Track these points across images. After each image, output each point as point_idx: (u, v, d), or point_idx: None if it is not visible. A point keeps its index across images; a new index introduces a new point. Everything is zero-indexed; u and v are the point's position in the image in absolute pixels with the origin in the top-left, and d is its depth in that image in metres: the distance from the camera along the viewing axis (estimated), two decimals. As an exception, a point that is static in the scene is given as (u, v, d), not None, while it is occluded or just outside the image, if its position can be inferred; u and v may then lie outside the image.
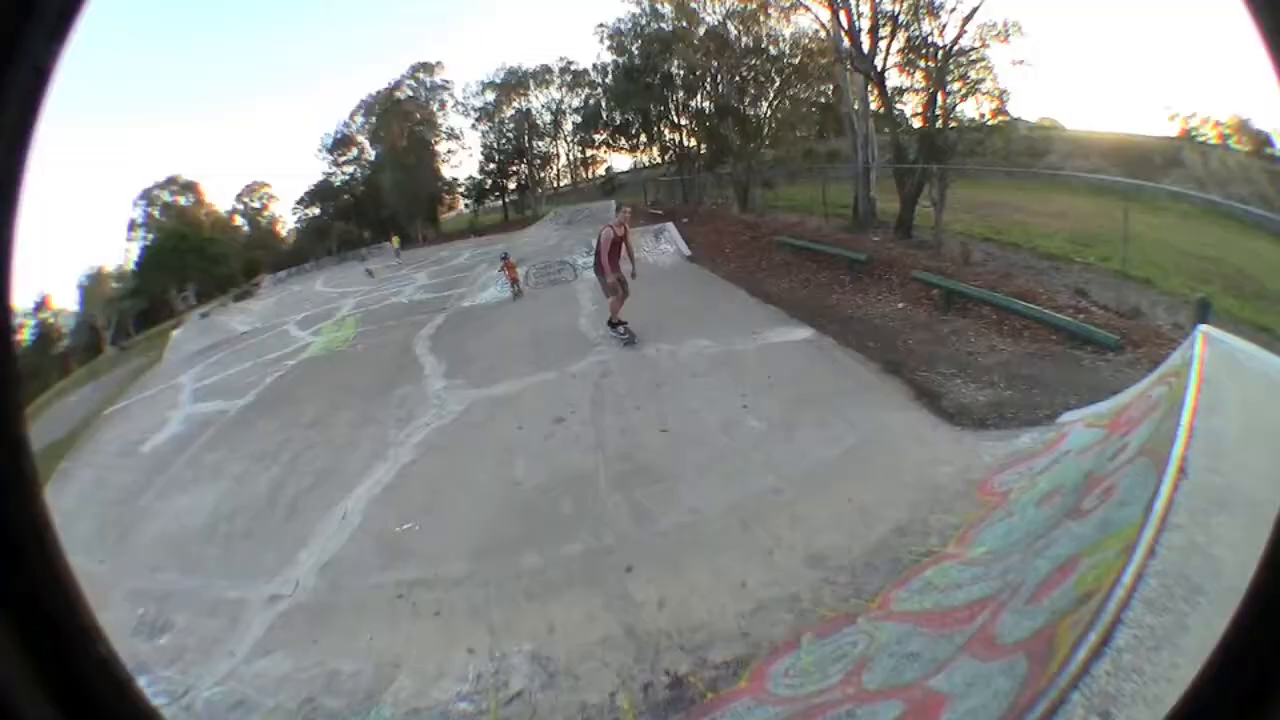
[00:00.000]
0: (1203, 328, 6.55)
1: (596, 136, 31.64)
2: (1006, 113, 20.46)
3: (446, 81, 37.13)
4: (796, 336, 12.16)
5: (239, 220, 43.76)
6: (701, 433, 9.04)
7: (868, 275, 15.67)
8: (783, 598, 5.87)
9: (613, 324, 13.25)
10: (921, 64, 20.47)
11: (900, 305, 13.78)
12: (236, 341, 23.20)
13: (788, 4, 23.47)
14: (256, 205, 44.02)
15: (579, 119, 32.04)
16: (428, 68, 37.06)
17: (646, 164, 31.14)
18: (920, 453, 7.90)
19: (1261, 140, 19.11)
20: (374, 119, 38.46)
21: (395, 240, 33.27)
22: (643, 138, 29.58)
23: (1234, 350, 6.20)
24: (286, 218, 43.59)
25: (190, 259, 37.59)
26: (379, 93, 37.97)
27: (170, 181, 41.01)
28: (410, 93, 37.65)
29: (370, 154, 39.28)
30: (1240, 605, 1.23)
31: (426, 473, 9.39)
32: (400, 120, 37.37)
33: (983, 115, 20.55)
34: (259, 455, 11.21)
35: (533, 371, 12.30)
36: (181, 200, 41.44)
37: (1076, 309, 12.48)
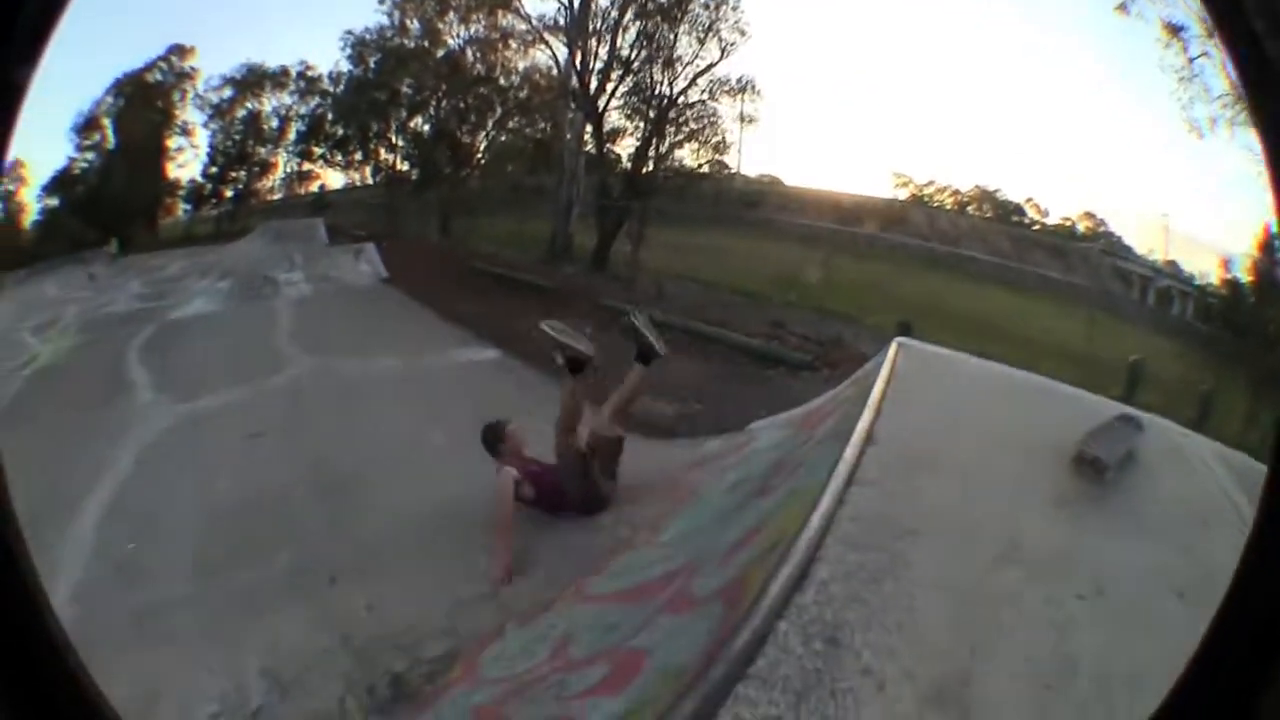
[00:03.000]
0: (897, 339, 6.92)
1: (316, 149, 29.54)
2: (723, 164, 20.84)
3: (193, 69, 32.47)
4: (483, 357, 12.16)
5: (-7, 205, 36.44)
6: (391, 445, 8.85)
7: (557, 303, 15.34)
8: (480, 595, 5.92)
9: None
10: (643, 109, 20.52)
11: (588, 330, 13.39)
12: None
13: (529, 37, 23.02)
14: (11, 188, 36.70)
15: (303, 128, 29.64)
16: (181, 51, 32.19)
17: (359, 184, 29.62)
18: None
19: (1010, 209, 20.65)
20: (121, 100, 33.08)
21: (113, 244, 28.96)
22: (358, 155, 28.18)
23: (926, 352, 6.64)
24: (31, 206, 36.68)
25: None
26: (134, 71, 32.92)
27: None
28: (160, 76, 32.59)
29: (111, 141, 33.81)
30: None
31: (139, 490, 8.68)
32: (144, 106, 32.17)
33: (698, 164, 20.86)
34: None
35: (233, 385, 11.60)
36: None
37: (770, 336, 12.91)
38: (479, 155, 27.18)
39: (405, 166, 27.49)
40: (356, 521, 7.40)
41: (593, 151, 21.40)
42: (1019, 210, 21.54)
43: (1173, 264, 17.60)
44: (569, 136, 21.77)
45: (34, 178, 31.31)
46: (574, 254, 20.78)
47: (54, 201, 32.59)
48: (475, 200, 25.80)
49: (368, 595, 6.12)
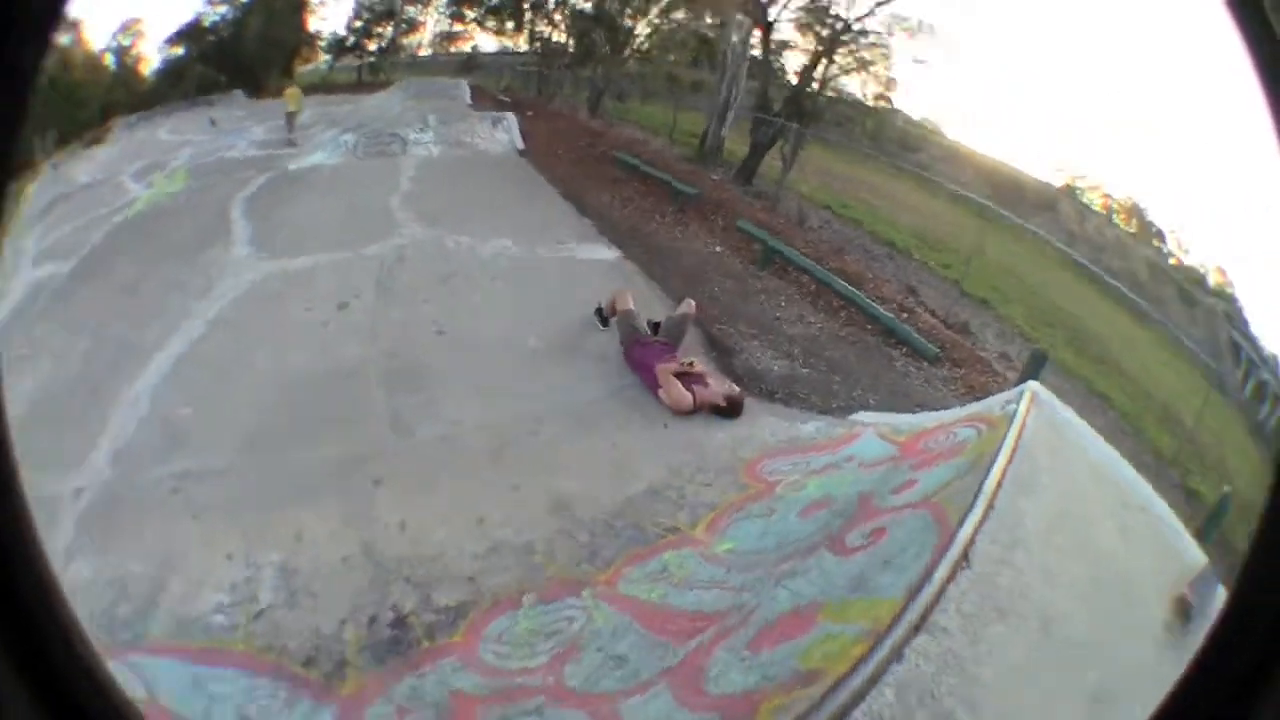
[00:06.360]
0: (1032, 385, 6.16)
1: (468, 12, 29.30)
2: (889, 99, 20.17)
3: (339, -75, 32.82)
4: (603, 256, 11.70)
5: (109, 59, 37.49)
6: (478, 340, 8.70)
7: (693, 211, 15.19)
8: (517, 545, 5.57)
9: None
10: (817, 27, 19.73)
11: (718, 249, 13.42)
12: (78, 194, 21.11)
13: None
14: (127, 43, 37.79)
15: (455, -10, 29.38)
16: (324, -93, 32.37)
17: (513, 49, 29.37)
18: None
19: (1152, 233, 19.59)
20: (257, -45, 33.48)
21: (292, 97, 24.98)
22: (513, 23, 27.87)
23: (1061, 422, 5.81)
24: (152, 57, 37.59)
25: (56, 103, 32.23)
26: (269, -75, 33.33)
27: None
28: (299, -70, 32.84)
29: (246, -7, 34.15)
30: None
31: (211, 351, 8.65)
32: (280, -40, 32.49)
33: (864, 96, 20.21)
34: (74, 327, 9.94)
35: (332, 248, 11.40)
36: (64, 39, 35.32)
37: (902, 306, 12.14)
38: (640, 40, 26.65)
39: (563, 39, 27.17)
40: (421, 422, 7.19)
41: (758, 58, 20.74)
42: (1161, 235, 20.76)
43: (1276, 359, 16.63)
44: (735, 39, 21.04)
45: (153, 34, 31.43)
46: (723, 158, 20.33)
47: (179, 51, 32.82)
48: (630, 83, 25.43)
49: (406, 509, 5.91)
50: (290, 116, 23.11)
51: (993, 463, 4.52)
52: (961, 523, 3.82)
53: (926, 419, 7.06)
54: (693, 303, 8.86)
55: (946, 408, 7.95)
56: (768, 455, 6.66)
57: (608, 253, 11.75)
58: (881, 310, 11.23)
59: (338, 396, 7.60)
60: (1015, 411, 5.42)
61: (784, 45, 20.71)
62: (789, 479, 6.02)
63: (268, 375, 7.98)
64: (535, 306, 9.50)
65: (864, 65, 19.63)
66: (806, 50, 20.16)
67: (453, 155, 17.73)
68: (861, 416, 7.70)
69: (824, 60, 19.67)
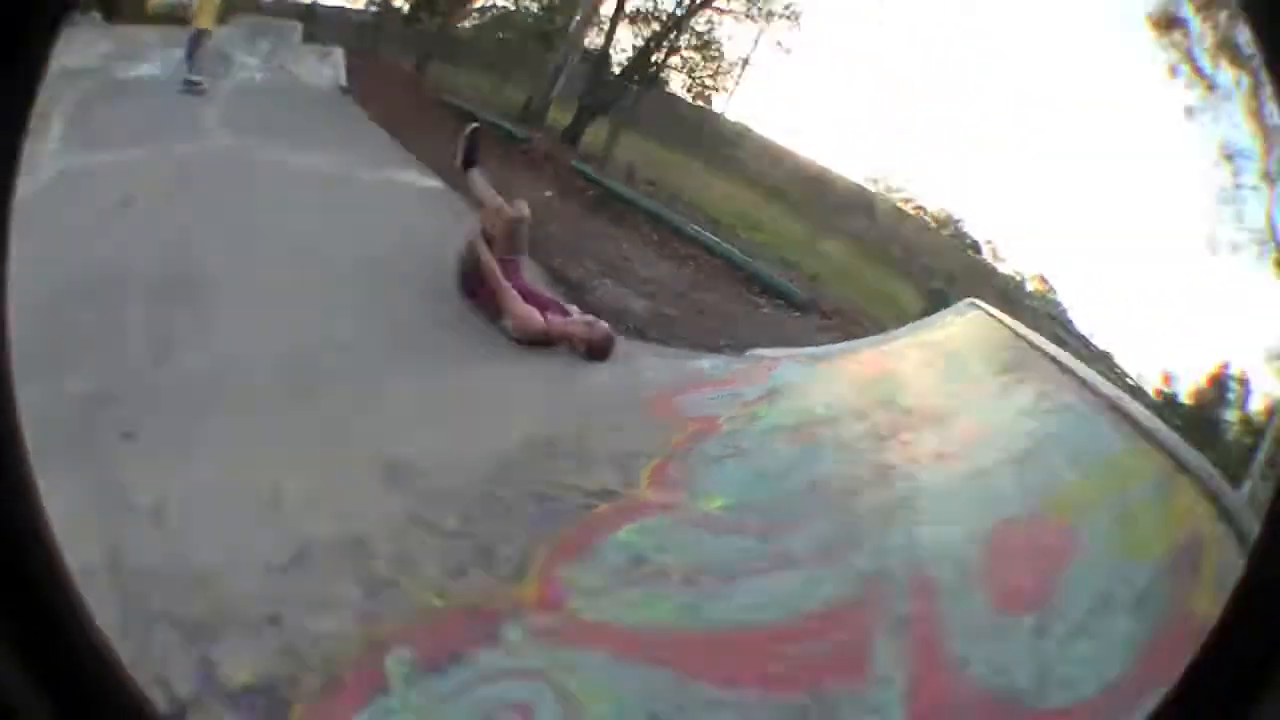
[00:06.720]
0: (972, 300, 5.68)
1: None
2: (708, 99, 19.34)
3: None
4: (423, 183, 11.22)
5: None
6: (278, 253, 7.15)
7: (520, 157, 14.51)
8: (343, 540, 3.45)
9: None
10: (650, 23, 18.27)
11: (548, 194, 12.71)
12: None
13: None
14: None
15: (296, -61, 28.15)
16: None
17: (349, 8, 28.65)
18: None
19: (968, 243, 19.90)
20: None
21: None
22: None
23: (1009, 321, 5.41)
24: None
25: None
26: None
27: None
28: None
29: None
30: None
31: None
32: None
33: (690, 89, 18.76)
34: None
35: (136, 143, 10.26)
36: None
37: None
38: (476, 8, 26.11)
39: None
40: (193, 349, 5.36)
41: (604, 27, 20.10)
42: (976, 247, 21.43)
43: (1108, 355, 17.16)
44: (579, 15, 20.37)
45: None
46: (546, 123, 19.45)
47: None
48: (459, 48, 24.82)
49: (163, 482, 3.74)
50: (198, 38, 15.40)
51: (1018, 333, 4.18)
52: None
53: (857, 344, 6.56)
54: (524, 203, 7.52)
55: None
56: (677, 391, 5.46)
57: (430, 181, 11.29)
58: (744, 257, 10.92)
59: (95, 311, 5.63)
60: (981, 307, 5.12)
61: (636, 17, 20.04)
62: (728, 413, 4.69)
63: (27, 289, 6.08)
64: (349, 222, 8.51)
65: (704, 47, 19.14)
66: (654, 25, 19.39)
67: (275, 80, 16.72)
68: (762, 352, 6.79)
69: (674, 32, 18.86)
